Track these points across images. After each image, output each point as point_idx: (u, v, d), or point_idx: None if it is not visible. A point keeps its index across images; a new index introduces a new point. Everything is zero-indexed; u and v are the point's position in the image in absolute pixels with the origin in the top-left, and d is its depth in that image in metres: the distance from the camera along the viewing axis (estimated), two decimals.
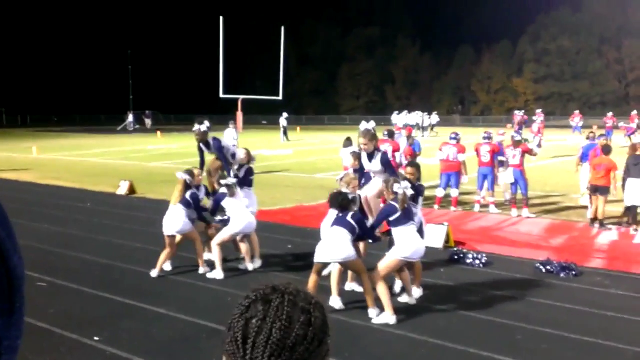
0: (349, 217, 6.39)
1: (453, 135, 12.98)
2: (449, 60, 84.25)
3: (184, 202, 7.85)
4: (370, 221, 7.03)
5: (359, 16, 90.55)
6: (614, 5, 71.15)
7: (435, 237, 9.32)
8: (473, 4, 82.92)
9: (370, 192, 7.29)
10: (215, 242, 7.90)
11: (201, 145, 9.20)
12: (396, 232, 6.43)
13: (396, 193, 6.46)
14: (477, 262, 8.34)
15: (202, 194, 8.37)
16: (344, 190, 6.80)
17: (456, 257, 8.58)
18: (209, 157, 9.13)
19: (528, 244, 9.64)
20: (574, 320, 6.23)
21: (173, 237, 7.83)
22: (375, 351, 5.56)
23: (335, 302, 6.53)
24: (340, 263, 6.40)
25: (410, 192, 6.60)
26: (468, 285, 7.47)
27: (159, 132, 45.10)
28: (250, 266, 8.12)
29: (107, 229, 10.71)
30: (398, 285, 7.09)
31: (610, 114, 33.98)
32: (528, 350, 5.49)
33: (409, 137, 14.72)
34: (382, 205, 7.19)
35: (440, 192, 12.81)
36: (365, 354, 5.48)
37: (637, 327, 6.12)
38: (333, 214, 6.70)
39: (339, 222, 6.38)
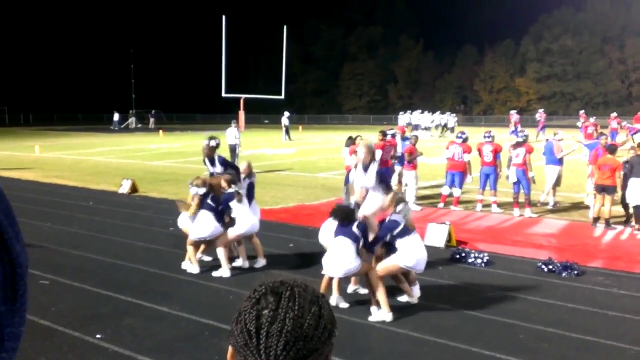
0: (354, 228, 6.42)
1: (460, 135, 12.98)
2: (451, 59, 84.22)
3: (208, 207, 7.95)
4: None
5: (362, 16, 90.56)
6: (617, 4, 71.09)
7: (437, 236, 9.32)
8: (476, 3, 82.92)
9: (368, 210, 7.21)
10: (219, 244, 7.95)
11: (206, 160, 9.26)
12: (400, 242, 6.47)
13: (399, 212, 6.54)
14: (479, 261, 8.34)
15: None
16: (350, 201, 6.88)
17: (458, 256, 8.58)
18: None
19: (530, 244, 9.64)
20: (576, 320, 6.23)
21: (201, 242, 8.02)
22: (377, 350, 5.56)
23: (336, 300, 6.55)
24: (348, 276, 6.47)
25: (415, 208, 6.74)
26: (470, 285, 7.47)
27: (161, 132, 45.14)
28: (246, 264, 8.19)
29: (109, 228, 10.73)
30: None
31: (614, 115, 33.48)
32: (530, 349, 5.49)
33: (404, 137, 14.66)
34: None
35: (445, 190, 12.81)
36: (367, 352, 5.48)
37: (639, 327, 6.12)
38: (332, 222, 6.74)
39: (344, 232, 6.40)
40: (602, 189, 10.74)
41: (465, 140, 12.75)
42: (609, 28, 72.65)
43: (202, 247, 8.32)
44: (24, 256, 0.70)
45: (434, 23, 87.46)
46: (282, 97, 49.97)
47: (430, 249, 8.39)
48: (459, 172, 12.56)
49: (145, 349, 5.44)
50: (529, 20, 77.46)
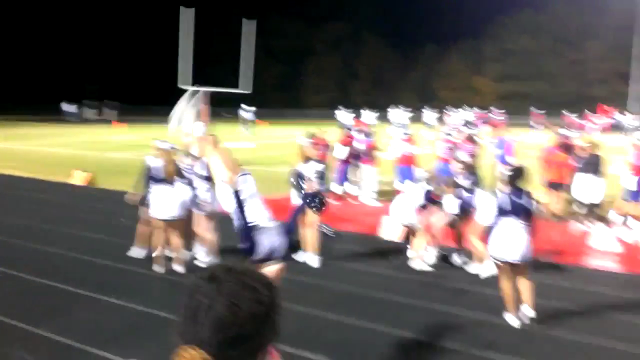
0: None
1: (405, 132, 14.08)
2: (414, 57, 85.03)
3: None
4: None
5: (326, 12, 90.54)
6: (575, 7, 72.68)
7: (392, 229, 9.42)
8: (439, 2, 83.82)
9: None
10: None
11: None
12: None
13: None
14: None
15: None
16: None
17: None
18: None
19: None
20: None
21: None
22: (352, 346, 5.62)
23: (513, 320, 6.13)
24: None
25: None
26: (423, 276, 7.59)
27: (116, 122, 44.33)
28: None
29: (63, 220, 10.54)
30: None
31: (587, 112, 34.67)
32: (508, 345, 5.54)
33: (366, 133, 14.84)
34: None
35: (397, 185, 12.99)
36: (343, 349, 5.53)
37: (582, 317, 6.33)
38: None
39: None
40: (552, 186, 11.06)
41: (408, 135, 13.68)
42: (566, 30, 74.30)
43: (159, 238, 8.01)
44: None
45: (397, 21, 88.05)
46: (250, 91, 49.57)
47: (386, 243, 8.54)
48: (406, 167, 12.78)
49: (96, 341, 5.39)
50: (488, 20, 78.67)
